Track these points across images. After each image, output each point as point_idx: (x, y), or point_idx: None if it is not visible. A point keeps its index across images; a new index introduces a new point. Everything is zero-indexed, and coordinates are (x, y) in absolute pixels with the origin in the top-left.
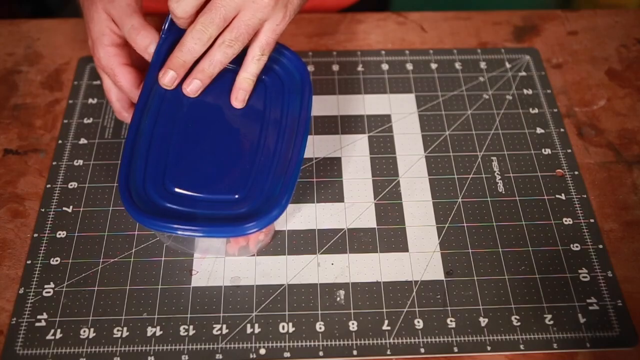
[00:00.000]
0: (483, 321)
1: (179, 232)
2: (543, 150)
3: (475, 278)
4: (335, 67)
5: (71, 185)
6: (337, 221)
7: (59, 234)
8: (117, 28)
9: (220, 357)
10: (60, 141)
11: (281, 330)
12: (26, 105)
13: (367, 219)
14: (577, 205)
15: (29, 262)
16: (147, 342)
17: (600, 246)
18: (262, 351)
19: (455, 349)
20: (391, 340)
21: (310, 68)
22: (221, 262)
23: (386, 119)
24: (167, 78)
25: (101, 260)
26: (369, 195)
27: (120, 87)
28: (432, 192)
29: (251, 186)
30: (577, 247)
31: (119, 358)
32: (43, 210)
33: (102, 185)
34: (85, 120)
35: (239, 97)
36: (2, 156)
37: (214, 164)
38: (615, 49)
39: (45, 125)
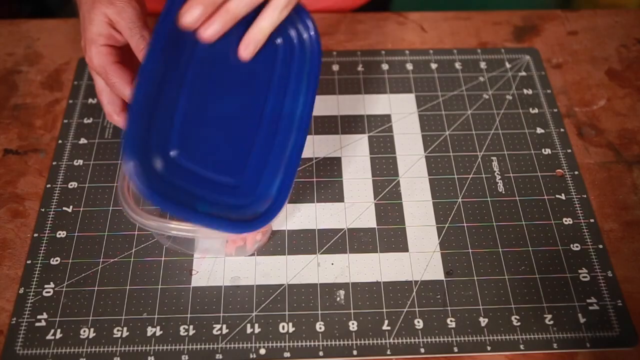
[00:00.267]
0: (483, 321)
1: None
2: (543, 150)
3: (475, 278)
4: (336, 67)
5: (71, 185)
6: (337, 221)
7: (59, 234)
8: (118, 34)
9: (220, 357)
10: (60, 141)
11: (281, 330)
12: (26, 105)
13: (367, 219)
14: (577, 205)
15: (29, 262)
16: (147, 342)
17: (600, 246)
18: (262, 351)
19: (455, 349)
20: (391, 340)
21: None
22: (221, 262)
23: (386, 119)
24: (192, 16)
25: (101, 260)
26: (369, 195)
27: (112, 85)
28: (432, 192)
29: (249, 171)
30: (577, 247)
31: (119, 358)
32: (43, 210)
33: (102, 185)
34: (85, 120)
35: (250, 47)
36: (2, 156)
37: (218, 136)
38: (615, 49)
39: (45, 125)
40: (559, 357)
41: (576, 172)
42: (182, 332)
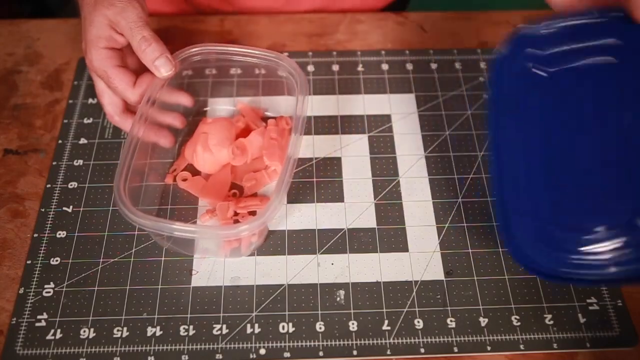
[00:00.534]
0: (483, 321)
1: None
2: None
3: (475, 278)
4: (335, 67)
5: (71, 185)
6: (337, 221)
7: (59, 234)
8: (118, 36)
9: (220, 357)
10: (60, 141)
11: (281, 330)
12: (26, 105)
13: (367, 219)
14: None
15: (29, 262)
16: (147, 342)
17: None
18: (262, 351)
19: (455, 349)
20: (391, 340)
21: (310, 68)
22: (221, 262)
23: (386, 119)
24: None
25: (101, 260)
26: (369, 195)
27: (114, 88)
28: (432, 192)
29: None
30: None
31: (119, 358)
32: (43, 210)
33: (102, 185)
34: (85, 120)
35: None
36: (2, 156)
37: (592, 178)
38: None
39: (45, 125)
40: (559, 357)
41: None
42: (182, 332)
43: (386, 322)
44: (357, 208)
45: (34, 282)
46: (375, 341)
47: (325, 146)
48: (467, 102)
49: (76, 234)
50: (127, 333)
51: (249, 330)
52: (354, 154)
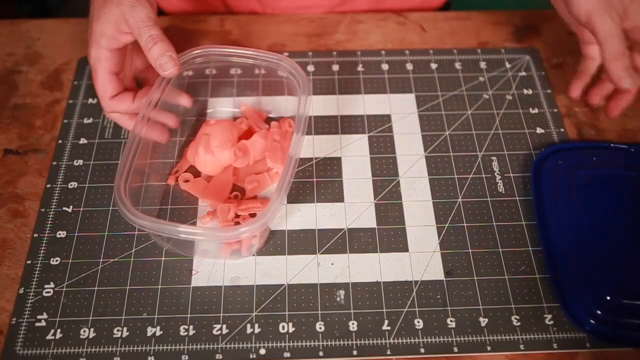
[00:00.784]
0: (483, 321)
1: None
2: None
3: (475, 278)
4: (335, 67)
5: (71, 185)
6: (337, 221)
7: (59, 234)
8: (122, 35)
9: (220, 357)
10: (60, 141)
11: (281, 330)
12: (26, 105)
13: (367, 219)
14: None
15: (29, 262)
16: (147, 342)
17: None
18: (262, 351)
19: (455, 349)
20: (391, 340)
21: (310, 68)
22: (221, 262)
23: (386, 119)
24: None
25: (101, 260)
26: (369, 195)
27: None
28: (432, 192)
29: None
30: None
31: (119, 358)
32: (43, 210)
33: (102, 185)
34: (85, 120)
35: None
36: (2, 156)
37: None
38: None
39: (45, 125)
40: (559, 357)
41: None
42: (182, 332)
43: (386, 322)
44: (357, 208)
45: (34, 282)
46: (375, 341)
47: (325, 146)
48: (467, 102)
49: (76, 234)
50: (127, 333)
51: (249, 330)
52: (354, 154)
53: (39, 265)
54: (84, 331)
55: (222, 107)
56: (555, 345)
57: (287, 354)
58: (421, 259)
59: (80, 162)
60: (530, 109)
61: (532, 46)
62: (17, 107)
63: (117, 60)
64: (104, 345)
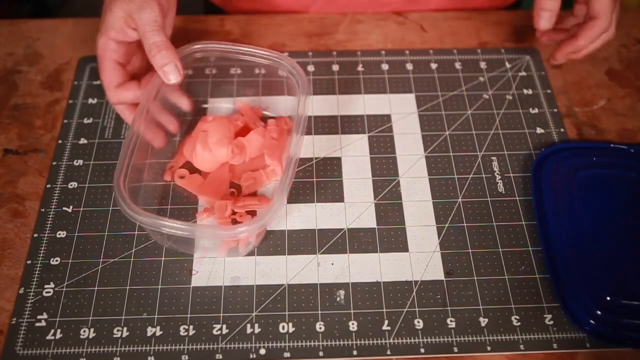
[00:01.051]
0: (483, 321)
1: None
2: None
3: (475, 278)
4: (335, 67)
5: (71, 185)
6: (337, 221)
7: (59, 234)
8: (131, 30)
9: (220, 357)
10: (60, 141)
11: (281, 330)
12: (26, 105)
13: (367, 219)
14: None
15: (29, 262)
16: (147, 342)
17: None
18: (262, 351)
19: (455, 349)
20: (391, 340)
21: (310, 68)
22: (221, 262)
23: (386, 119)
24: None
25: (101, 260)
26: (369, 195)
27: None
28: (432, 192)
29: None
30: None
31: (119, 358)
32: (43, 210)
33: (102, 185)
34: (85, 120)
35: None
36: (2, 156)
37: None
38: (615, 49)
39: (45, 125)
40: (559, 357)
41: None
42: (182, 332)
43: (386, 322)
44: (357, 208)
45: (34, 282)
46: (375, 341)
47: (325, 146)
48: (467, 102)
49: (76, 234)
50: (127, 333)
51: (249, 330)
52: (354, 154)
53: (39, 265)
54: (84, 331)
55: (218, 103)
56: (555, 345)
57: (287, 354)
58: (421, 259)
59: (80, 162)
60: (530, 109)
61: (532, 46)
62: (17, 107)
63: (124, 52)
64: (104, 345)
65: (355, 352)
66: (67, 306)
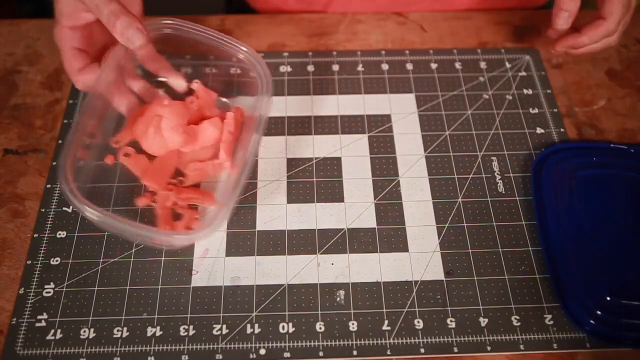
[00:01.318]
0: (483, 321)
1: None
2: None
3: (475, 278)
4: (335, 67)
5: None
6: (337, 221)
7: (59, 234)
8: (83, 13)
9: (220, 357)
10: (60, 141)
11: (281, 330)
12: (26, 105)
13: (367, 219)
14: None
15: (29, 262)
16: (147, 342)
17: None
18: (262, 351)
19: (455, 349)
20: (391, 340)
21: (310, 68)
22: (221, 262)
23: (386, 119)
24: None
25: (101, 260)
26: (369, 195)
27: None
28: (432, 192)
29: None
30: None
31: (119, 358)
32: (43, 210)
33: (102, 185)
34: None
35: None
36: (2, 156)
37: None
38: (615, 49)
39: (45, 125)
40: (558, 357)
41: None
42: (182, 332)
43: (386, 322)
44: (357, 208)
45: (34, 282)
46: (375, 341)
47: (325, 146)
48: (467, 102)
49: (76, 234)
50: (127, 333)
51: (249, 330)
52: (354, 154)
53: (39, 265)
54: (84, 331)
55: (175, 80)
56: (555, 346)
57: (287, 354)
58: (421, 259)
59: (81, 162)
60: (530, 109)
61: (532, 46)
62: (17, 107)
63: (80, 37)
64: (104, 346)
65: (355, 352)
66: (67, 306)
